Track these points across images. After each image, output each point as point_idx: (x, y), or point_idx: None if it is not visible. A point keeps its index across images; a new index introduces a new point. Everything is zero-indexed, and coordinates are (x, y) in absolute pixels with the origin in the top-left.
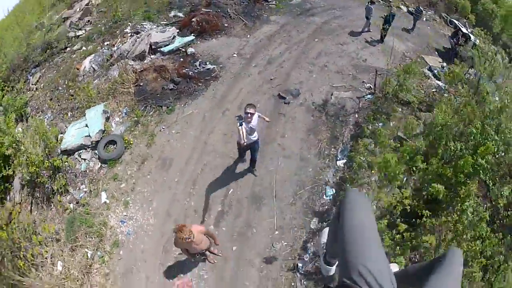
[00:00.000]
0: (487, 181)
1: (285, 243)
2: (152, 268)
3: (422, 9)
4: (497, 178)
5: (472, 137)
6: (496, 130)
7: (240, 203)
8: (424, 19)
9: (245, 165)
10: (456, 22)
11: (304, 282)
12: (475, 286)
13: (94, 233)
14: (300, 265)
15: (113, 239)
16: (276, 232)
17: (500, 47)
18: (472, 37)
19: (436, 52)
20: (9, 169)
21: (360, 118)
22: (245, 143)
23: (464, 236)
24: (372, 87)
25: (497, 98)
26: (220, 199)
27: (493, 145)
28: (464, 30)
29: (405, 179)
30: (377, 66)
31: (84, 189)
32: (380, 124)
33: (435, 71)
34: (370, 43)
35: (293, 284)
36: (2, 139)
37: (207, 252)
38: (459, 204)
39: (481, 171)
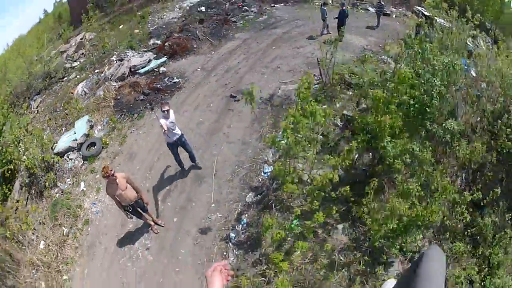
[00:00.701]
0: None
1: (220, 215)
2: (110, 239)
3: (383, 3)
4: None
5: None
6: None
7: (184, 182)
8: (394, 16)
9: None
10: (419, 7)
11: (236, 252)
12: (465, 263)
13: (71, 214)
14: (232, 235)
15: (85, 218)
16: (213, 205)
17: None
18: (438, 19)
19: (403, 42)
20: (10, 164)
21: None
22: (166, 131)
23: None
24: (319, 77)
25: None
26: (168, 180)
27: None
28: (426, 13)
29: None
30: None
31: (69, 182)
32: (324, 106)
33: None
34: (327, 43)
35: (225, 253)
36: (5, 138)
37: (152, 223)
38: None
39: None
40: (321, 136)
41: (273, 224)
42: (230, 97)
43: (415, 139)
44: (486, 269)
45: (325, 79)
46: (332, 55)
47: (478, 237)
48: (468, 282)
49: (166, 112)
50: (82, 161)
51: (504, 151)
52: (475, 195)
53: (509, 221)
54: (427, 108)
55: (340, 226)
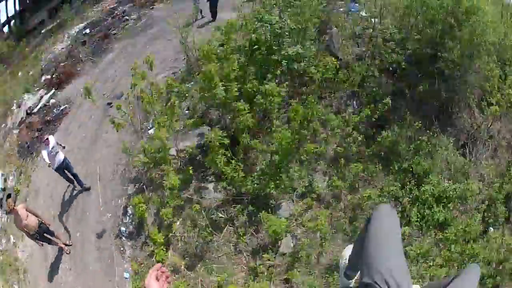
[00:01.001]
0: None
1: (110, 214)
2: (42, 278)
3: None
4: None
5: None
6: None
7: (78, 197)
8: None
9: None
10: None
11: (129, 243)
12: (380, 183)
13: (13, 269)
14: (123, 229)
15: (23, 267)
16: (102, 208)
17: None
18: None
19: None
20: None
21: None
22: (50, 165)
23: None
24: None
25: None
26: (68, 201)
27: None
28: None
29: None
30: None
31: (4, 241)
32: (192, 83)
33: None
34: (202, 26)
35: (122, 248)
36: None
37: (62, 245)
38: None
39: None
40: (187, 111)
41: (140, 202)
42: (107, 105)
43: (273, 80)
44: (412, 181)
45: (192, 59)
46: (187, 34)
47: (384, 154)
48: (393, 199)
49: (46, 140)
50: (6, 216)
51: (389, 61)
52: (362, 113)
53: (427, 131)
54: (274, 47)
55: (210, 185)
